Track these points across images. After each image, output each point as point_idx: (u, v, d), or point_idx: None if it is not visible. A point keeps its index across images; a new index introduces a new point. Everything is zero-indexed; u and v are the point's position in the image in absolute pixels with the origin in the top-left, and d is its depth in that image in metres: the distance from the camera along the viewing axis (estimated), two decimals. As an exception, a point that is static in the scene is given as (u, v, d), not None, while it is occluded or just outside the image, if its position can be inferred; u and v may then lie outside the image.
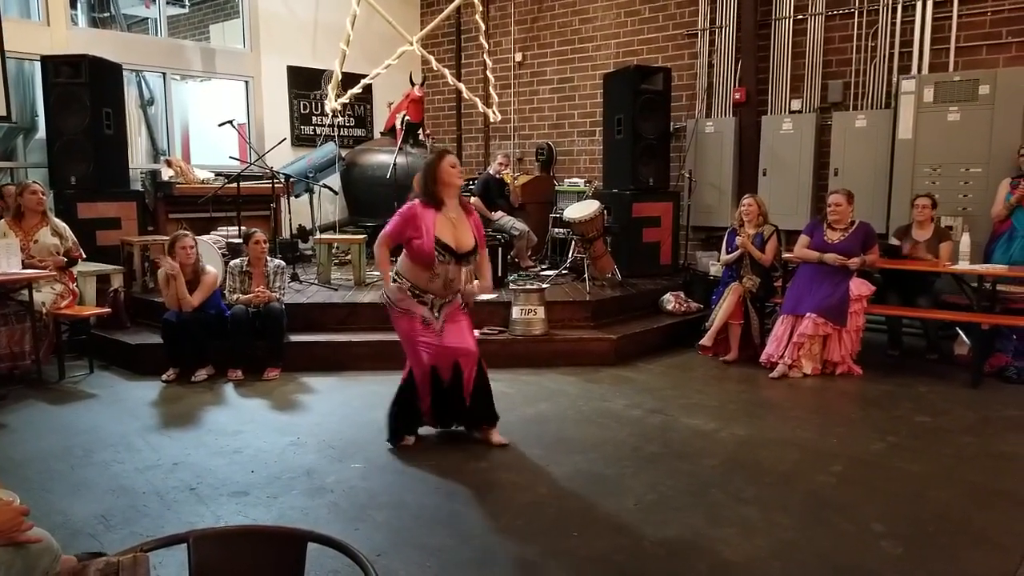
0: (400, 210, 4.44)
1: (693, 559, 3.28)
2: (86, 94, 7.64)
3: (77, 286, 6.53)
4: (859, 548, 3.37)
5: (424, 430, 4.76)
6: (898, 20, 7.63)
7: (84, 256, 6.56)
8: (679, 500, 3.88)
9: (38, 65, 7.89)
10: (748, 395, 5.76)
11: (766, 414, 5.32)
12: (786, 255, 6.77)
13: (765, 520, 3.64)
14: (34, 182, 6.42)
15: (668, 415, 5.22)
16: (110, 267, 7.17)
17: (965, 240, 6.19)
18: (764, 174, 8.44)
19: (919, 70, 7.47)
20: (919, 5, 7.46)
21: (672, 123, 8.82)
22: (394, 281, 4.45)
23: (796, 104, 8.34)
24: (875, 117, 7.71)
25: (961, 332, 6.51)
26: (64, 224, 6.46)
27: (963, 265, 6.12)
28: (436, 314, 4.45)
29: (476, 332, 6.51)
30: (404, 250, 4.45)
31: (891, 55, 7.71)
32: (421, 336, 4.44)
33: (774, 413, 5.34)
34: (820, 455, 4.48)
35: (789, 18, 8.31)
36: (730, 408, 5.40)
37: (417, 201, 4.39)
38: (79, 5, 9.80)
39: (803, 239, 6.47)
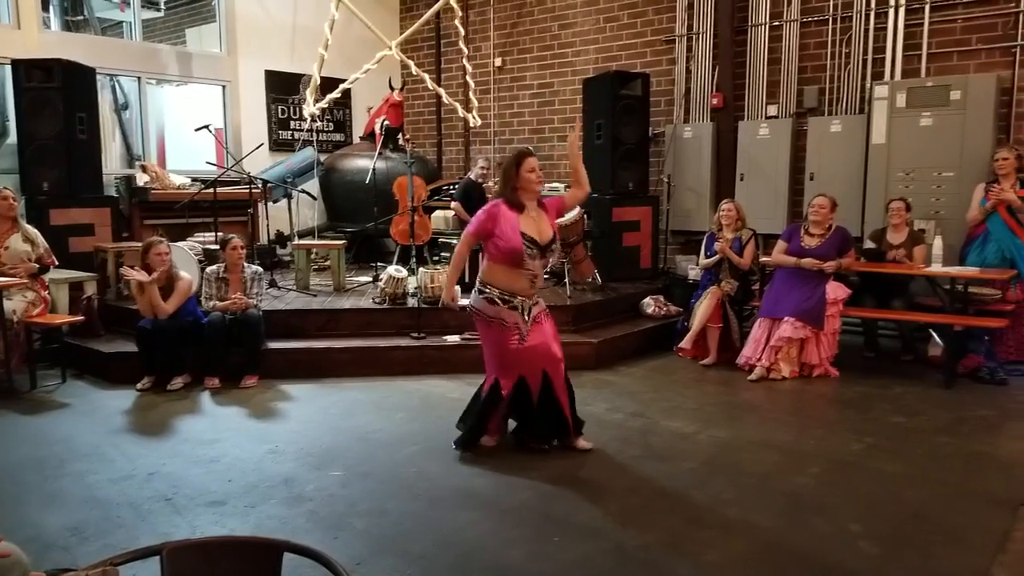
0: (484, 208, 4.46)
1: (674, 561, 3.29)
2: (59, 98, 7.55)
3: (49, 294, 6.43)
4: (837, 548, 3.40)
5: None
6: (871, 27, 7.71)
7: (56, 263, 6.47)
8: (660, 503, 3.89)
9: (9, 69, 7.76)
10: (727, 398, 5.78)
11: (745, 416, 5.35)
12: (763, 259, 6.81)
13: (745, 522, 3.66)
14: (4, 188, 6.33)
15: (648, 418, 5.23)
16: (83, 274, 7.08)
17: (938, 243, 6.26)
18: (741, 179, 8.49)
19: (892, 76, 7.55)
20: (891, 12, 7.54)
21: (651, 128, 8.86)
22: (480, 292, 4.43)
23: (772, 109, 8.40)
24: (849, 122, 7.78)
25: (935, 333, 6.57)
26: (36, 231, 6.37)
27: (936, 267, 6.19)
28: (526, 317, 4.41)
29: (456, 337, 6.58)
30: (486, 256, 4.46)
31: (864, 61, 7.78)
32: (512, 344, 4.40)
33: (753, 415, 5.37)
34: (798, 456, 4.51)
35: (765, 25, 8.37)
36: (709, 411, 5.43)
37: (501, 200, 4.43)
38: (51, 8, 9.70)
39: (780, 244, 6.51)
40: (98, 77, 8.36)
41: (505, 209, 4.35)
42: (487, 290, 4.40)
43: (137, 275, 5.87)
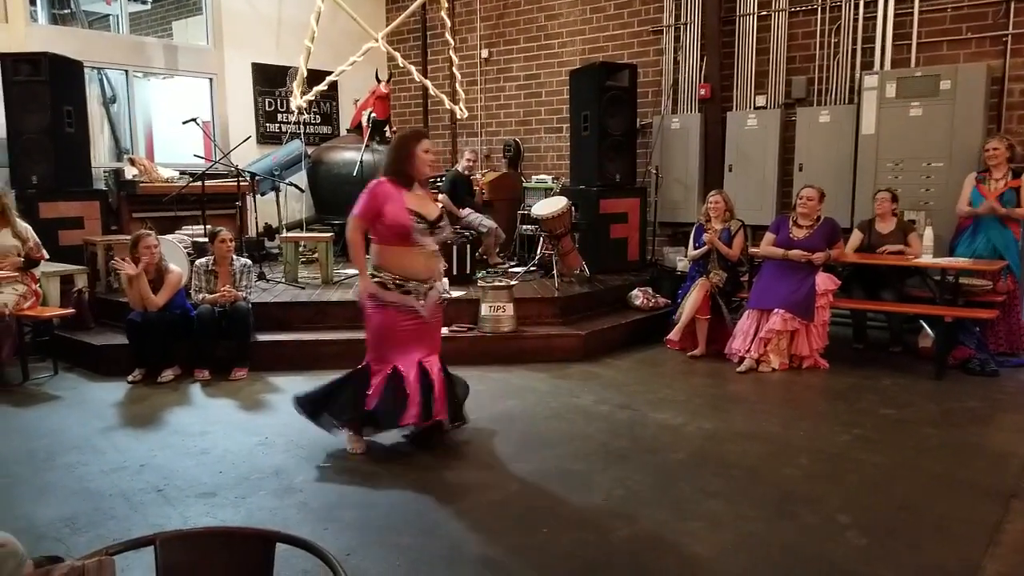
0: (367, 187, 4.34)
1: (661, 553, 3.31)
2: (46, 92, 7.50)
3: (40, 287, 6.42)
4: (824, 540, 3.42)
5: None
6: (860, 16, 7.73)
7: (47, 257, 6.45)
8: (647, 495, 3.91)
9: (-3, 63, 7.73)
10: (715, 390, 5.81)
11: (733, 408, 5.37)
12: (752, 250, 6.83)
13: (732, 513, 3.68)
14: None
15: (636, 410, 5.25)
16: (73, 267, 7.05)
17: (928, 234, 6.28)
18: (730, 170, 8.51)
19: (881, 66, 7.56)
20: (881, 2, 7.54)
21: (638, 119, 8.85)
22: (372, 278, 4.36)
23: (761, 100, 8.42)
24: (838, 113, 7.81)
25: (925, 325, 6.60)
26: (27, 226, 6.33)
27: (927, 259, 6.22)
28: (421, 301, 4.38)
29: (444, 330, 6.57)
30: (375, 240, 4.36)
31: (854, 51, 7.80)
32: (401, 331, 4.36)
33: (741, 407, 5.40)
34: (786, 448, 4.53)
35: (753, 14, 8.38)
36: (697, 402, 5.45)
37: (383, 179, 4.34)
38: (39, 2, 9.62)
39: (768, 236, 6.53)
40: (85, 70, 8.31)
41: (389, 187, 4.29)
42: (379, 275, 4.35)
43: (127, 267, 5.87)
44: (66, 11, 10.09)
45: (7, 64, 7.51)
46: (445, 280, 6.69)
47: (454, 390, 4.66)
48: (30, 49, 7.90)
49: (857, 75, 7.73)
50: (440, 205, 4.53)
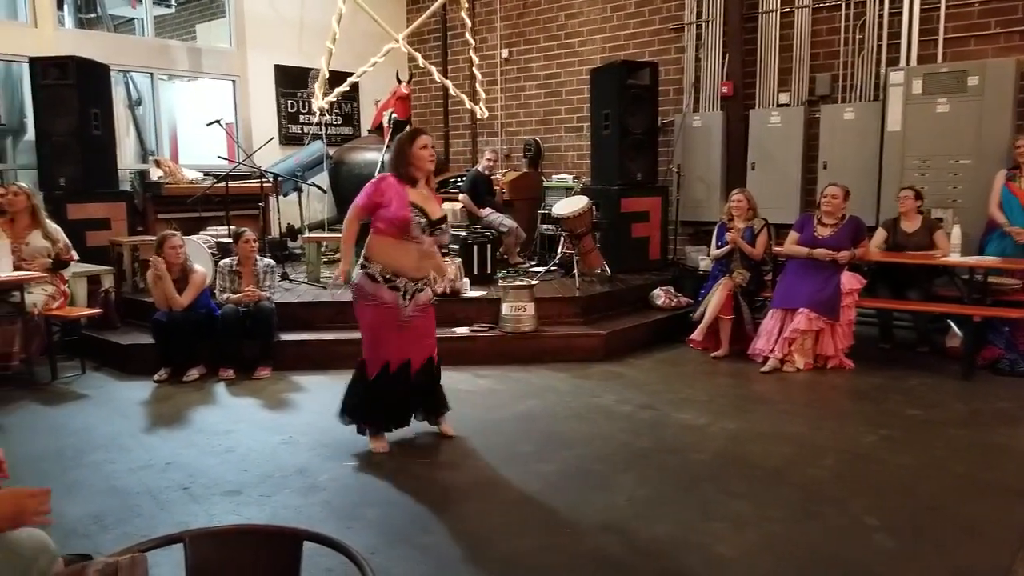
0: (372, 180, 4.39)
1: (685, 553, 3.29)
2: (74, 95, 7.60)
3: (68, 287, 6.50)
4: (851, 541, 3.39)
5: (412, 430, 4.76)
6: (885, 12, 7.64)
7: (77, 258, 6.54)
8: (670, 495, 3.89)
9: (26, 67, 7.84)
10: (738, 390, 5.77)
11: (756, 408, 5.33)
12: (775, 249, 6.77)
13: (757, 514, 3.65)
14: (12, 183, 6.38)
15: (658, 410, 5.23)
16: (100, 268, 7.13)
17: (956, 232, 6.19)
18: (752, 168, 8.45)
19: (907, 62, 7.47)
20: (906, -3, 7.47)
21: (660, 118, 8.81)
22: (362, 268, 4.37)
23: (784, 97, 8.35)
24: (863, 110, 7.73)
25: (953, 324, 6.50)
26: (57, 227, 6.43)
27: (955, 257, 6.14)
28: (406, 301, 4.36)
29: (465, 329, 6.59)
30: (372, 230, 4.36)
31: (879, 47, 7.72)
32: (387, 327, 4.36)
33: (765, 407, 5.35)
34: (811, 449, 4.49)
35: (776, 11, 8.32)
36: (720, 403, 5.42)
37: (389, 174, 4.38)
38: (66, 6, 9.76)
39: (793, 235, 6.48)
40: (112, 73, 8.41)
41: (394, 182, 4.30)
42: (370, 266, 4.33)
43: (161, 264, 5.93)
44: (92, 15, 10.23)
45: (36, 68, 7.62)
46: (466, 280, 6.74)
47: (430, 401, 4.71)
48: (58, 53, 8.00)
49: (882, 71, 7.65)
50: (444, 208, 4.54)
